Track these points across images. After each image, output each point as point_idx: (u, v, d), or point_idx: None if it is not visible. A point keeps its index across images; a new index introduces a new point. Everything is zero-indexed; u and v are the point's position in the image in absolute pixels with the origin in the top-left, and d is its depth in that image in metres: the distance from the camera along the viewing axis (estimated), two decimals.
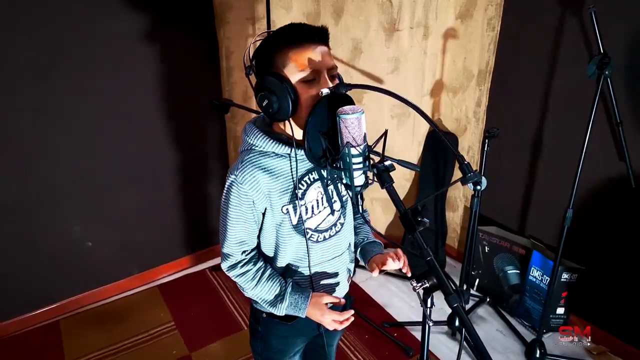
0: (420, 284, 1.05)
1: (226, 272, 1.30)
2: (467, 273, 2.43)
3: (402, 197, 3.07)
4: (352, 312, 1.30)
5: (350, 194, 1.11)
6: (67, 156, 2.45)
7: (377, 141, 1.11)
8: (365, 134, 1.07)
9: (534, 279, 2.53)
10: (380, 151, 1.09)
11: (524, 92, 2.50)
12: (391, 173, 1.06)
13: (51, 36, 2.23)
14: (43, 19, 2.19)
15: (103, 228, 2.69)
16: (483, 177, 2.17)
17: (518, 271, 2.63)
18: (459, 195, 2.94)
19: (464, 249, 2.46)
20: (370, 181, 1.11)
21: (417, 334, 2.51)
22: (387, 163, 1.07)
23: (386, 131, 1.11)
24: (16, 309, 2.54)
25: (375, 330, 2.53)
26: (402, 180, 3.02)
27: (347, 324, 1.29)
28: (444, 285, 1.00)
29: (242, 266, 1.27)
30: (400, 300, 2.77)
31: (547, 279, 2.46)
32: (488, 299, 2.73)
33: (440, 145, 2.85)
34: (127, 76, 2.52)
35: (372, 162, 1.08)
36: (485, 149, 2.14)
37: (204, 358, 2.38)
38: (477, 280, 2.81)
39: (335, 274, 1.38)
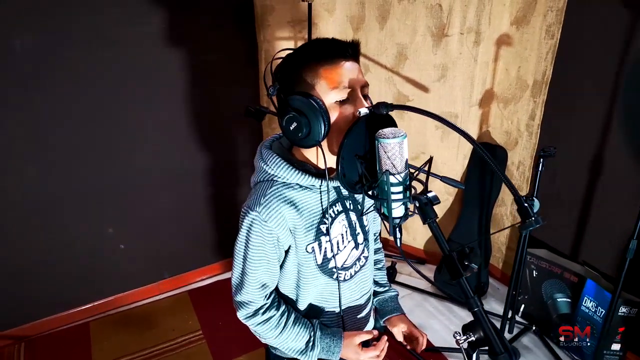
0: (465, 337, 0.91)
1: (244, 322, 1.14)
2: (513, 300, 2.25)
3: (443, 212, 2.91)
4: (386, 339, 1.18)
5: (387, 226, 0.98)
6: (102, 159, 2.43)
7: (421, 169, 0.98)
8: (407, 160, 0.94)
9: (587, 310, 2.32)
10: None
11: (583, 106, 2.28)
12: (432, 186, 0.94)
13: (86, 37, 2.21)
14: (76, 20, 2.17)
15: (136, 231, 2.66)
16: (535, 200, 1.99)
17: (569, 300, 2.42)
18: (506, 213, 2.75)
19: (511, 272, 2.29)
20: (410, 213, 0.99)
21: None
22: (431, 195, 0.94)
23: (431, 158, 0.98)
24: (47, 309, 2.54)
25: (409, 355, 2.38)
26: (445, 194, 2.86)
27: (384, 353, 1.18)
28: (492, 343, 0.86)
29: (264, 312, 1.11)
30: (438, 322, 2.61)
31: (601, 311, 2.25)
32: (534, 327, 2.53)
33: None
34: (163, 80, 2.48)
35: (414, 192, 0.95)
36: (540, 169, 1.96)
37: None
38: (523, 306, 2.61)
39: (364, 311, 1.26)
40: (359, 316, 1.25)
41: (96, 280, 2.63)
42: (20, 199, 2.30)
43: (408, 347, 1.27)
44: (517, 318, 2.59)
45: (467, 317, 2.75)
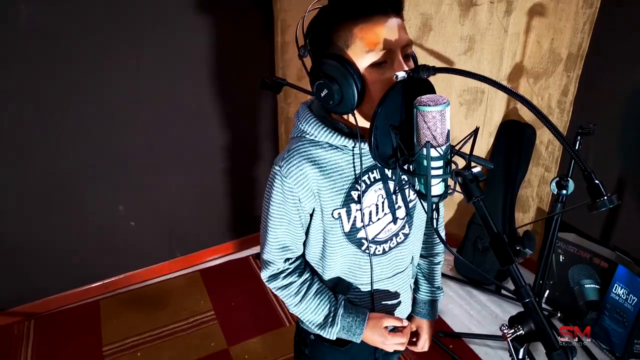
0: (512, 331, 0.80)
1: (266, 283, 1.11)
2: (541, 287, 2.14)
3: None
4: (411, 326, 1.14)
5: (425, 205, 0.87)
6: (113, 135, 2.34)
7: (465, 141, 0.87)
8: (449, 131, 0.83)
9: (617, 297, 2.21)
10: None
11: (621, 82, 2.13)
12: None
13: (94, 8, 2.10)
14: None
15: (147, 208, 2.58)
16: (570, 180, 1.85)
17: (597, 286, 2.30)
18: (532, 195, 2.62)
19: (538, 257, 2.18)
20: (450, 190, 0.88)
21: (475, 347, 2.27)
22: (477, 170, 0.83)
23: (477, 129, 0.87)
24: (58, 286, 2.49)
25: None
26: None
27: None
28: (547, 337, 0.76)
29: (284, 277, 1.08)
30: (457, 307, 2.52)
31: (633, 299, 2.13)
32: (559, 314, 2.42)
33: (515, 138, 2.53)
34: (173, 51, 2.35)
35: (455, 167, 0.84)
36: (577, 147, 1.83)
37: (243, 353, 2.24)
38: (547, 291, 2.50)
39: (397, 294, 1.16)
40: (384, 302, 1.15)
41: (107, 257, 2.56)
42: (30, 175, 2.22)
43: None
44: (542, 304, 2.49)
45: (487, 302, 2.65)
